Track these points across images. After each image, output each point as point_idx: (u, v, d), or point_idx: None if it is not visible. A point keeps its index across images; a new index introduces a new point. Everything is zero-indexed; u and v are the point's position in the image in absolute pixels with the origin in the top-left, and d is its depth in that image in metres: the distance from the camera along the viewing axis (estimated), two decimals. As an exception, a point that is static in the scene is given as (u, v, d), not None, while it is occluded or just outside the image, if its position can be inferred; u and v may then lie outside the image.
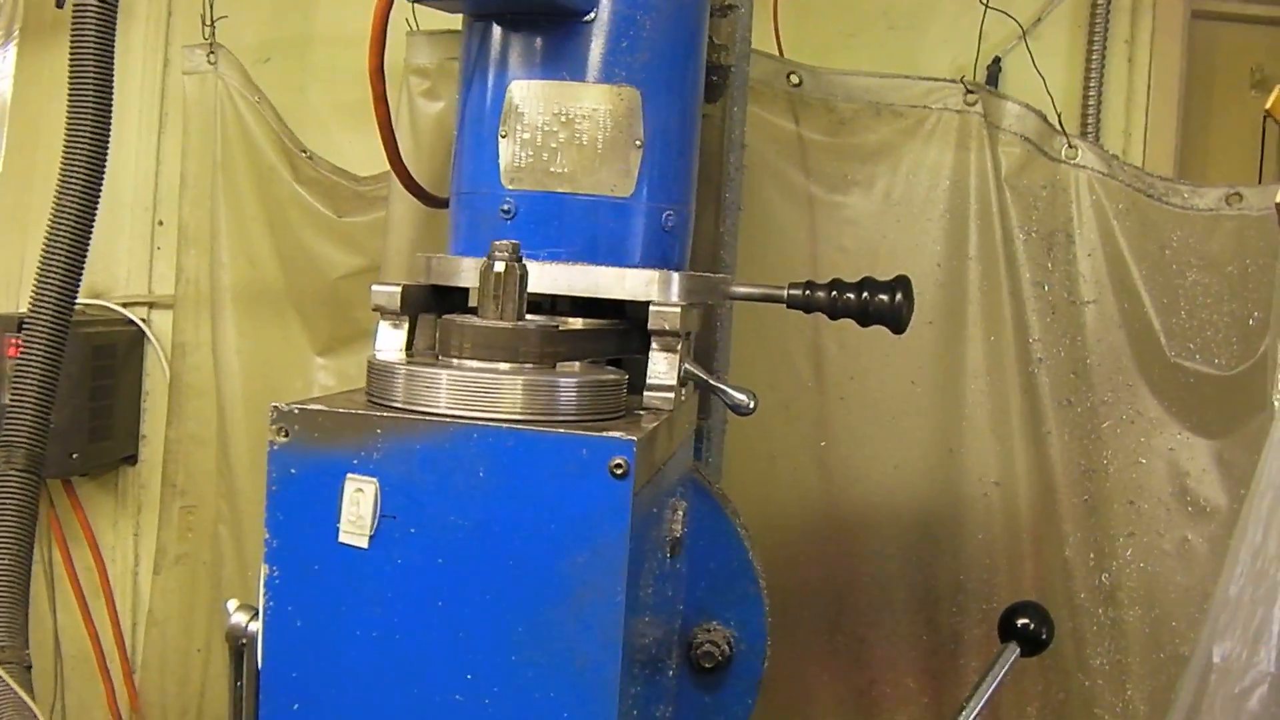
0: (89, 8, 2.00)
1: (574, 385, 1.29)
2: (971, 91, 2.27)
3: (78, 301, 2.66)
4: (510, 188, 1.54)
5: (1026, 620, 1.75)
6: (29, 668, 1.89)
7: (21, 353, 2.08)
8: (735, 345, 2.17)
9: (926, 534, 2.29)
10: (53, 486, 2.84)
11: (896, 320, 1.62)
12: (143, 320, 2.85)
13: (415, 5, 1.55)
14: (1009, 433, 2.26)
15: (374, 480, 1.23)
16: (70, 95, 2.04)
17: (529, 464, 1.20)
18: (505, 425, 1.22)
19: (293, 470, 1.25)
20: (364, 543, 1.23)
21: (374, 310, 1.52)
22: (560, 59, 1.52)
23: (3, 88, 2.68)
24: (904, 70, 2.43)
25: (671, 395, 1.45)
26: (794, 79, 2.31)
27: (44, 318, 2.07)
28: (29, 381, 2.04)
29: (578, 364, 1.42)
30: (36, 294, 2.09)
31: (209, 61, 2.58)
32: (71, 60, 2.03)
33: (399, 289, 1.50)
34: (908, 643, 2.31)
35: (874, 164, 2.30)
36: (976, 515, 2.26)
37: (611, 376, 1.36)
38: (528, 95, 1.53)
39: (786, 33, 2.51)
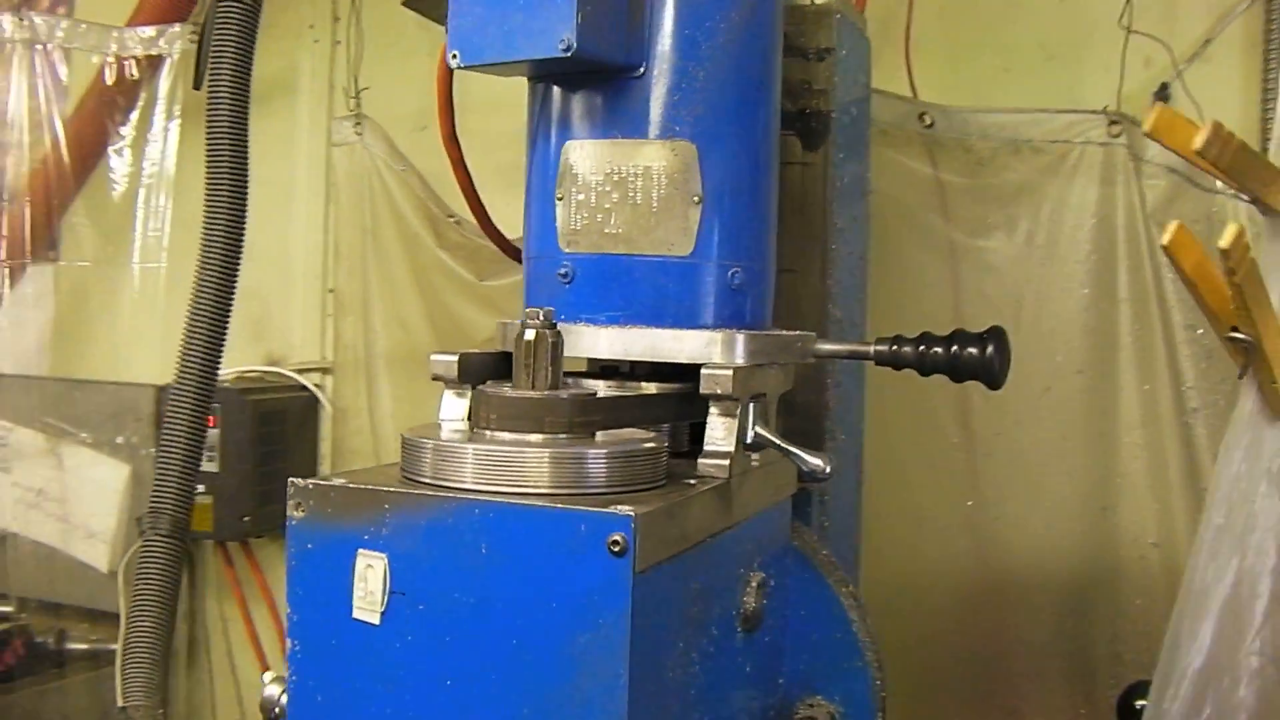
0: (222, 87, 2.07)
1: (595, 456, 1.24)
2: (1115, 122, 2.11)
3: (255, 370, 2.79)
4: (567, 251, 1.51)
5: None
6: (161, 725, 1.95)
7: (165, 425, 2.16)
8: (878, 402, 2.07)
9: (1081, 599, 2.12)
10: (233, 549, 2.96)
11: (990, 375, 1.51)
12: (317, 386, 2.95)
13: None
14: (1167, 489, 2.07)
15: (383, 556, 1.21)
16: (207, 174, 2.12)
17: (527, 540, 1.16)
18: (506, 500, 1.18)
19: (309, 545, 1.25)
20: (376, 619, 1.21)
21: (433, 379, 1.51)
22: (611, 117, 1.48)
23: (168, 165, 2.82)
24: (1063, 103, 2.28)
25: (726, 462, 1.38)
26: (926, 119, 2.20)
27: (187, 390, 2.15)
28: (173, 452, 2.12)
29: (623, 433, 1.37)
30: (180, 368, 2.17)
31: (356, 133, 2.65)
32: (208, 140, 2.11)
33: (456, 358, 1.48)
34: (1064, 717, 2.14)
35: (1015, 205, 2.16)
36: (1134, 579, 2.07)
37: (646, 445, 1.31)
38: (581, 156, 1.50)
39: (936, 70, 2.40)
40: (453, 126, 1.60)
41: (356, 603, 1.21)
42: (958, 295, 2.21)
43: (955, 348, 1.52)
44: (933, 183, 2.21)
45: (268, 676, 1.31)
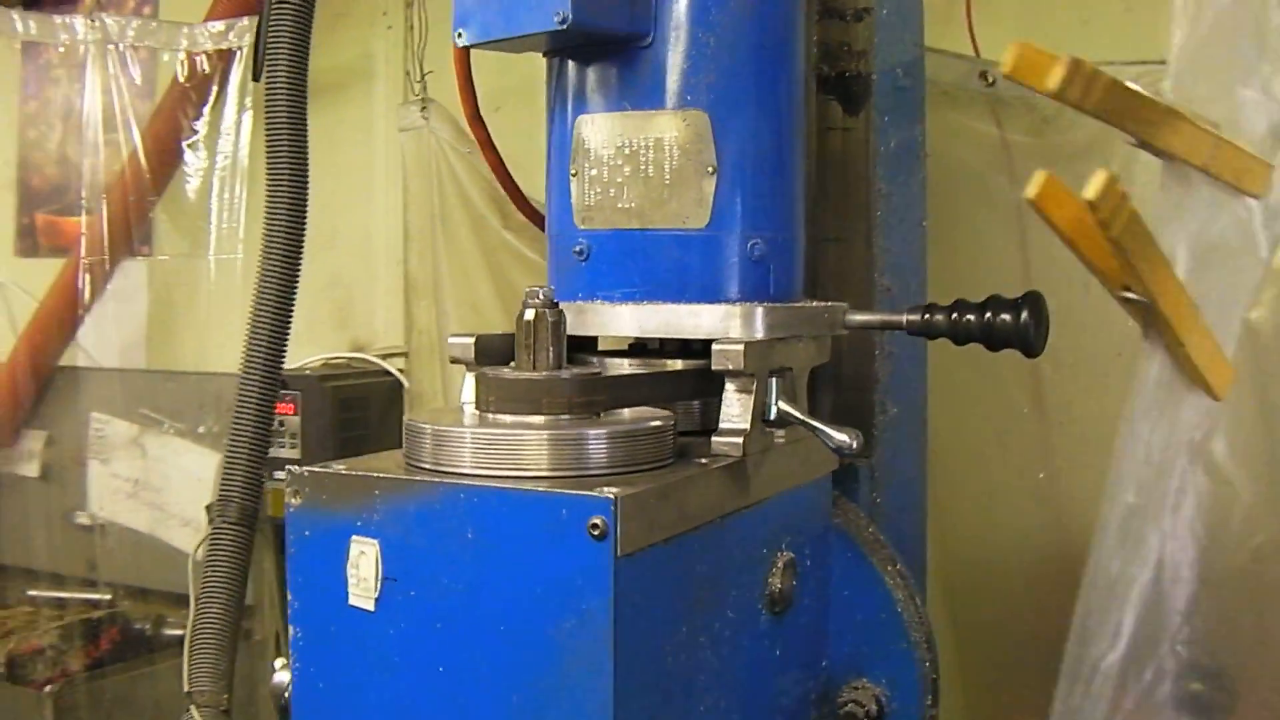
0: (279, 75, 2.07)
1: (591, 438, 1.21)
2: (1185, 73, 1.99)
3: (341, 356, 2.82)
4: (582, 228, 1.48)
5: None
6: (226, 712, 1.98)
7: (235, 413, 2.19)
8: (944, 374, 2.00)
9: (1162, 577, 2.01)
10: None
11: (1025, 342, 1.43)
12: (400, 371, 2.97)
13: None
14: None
15: (375, 542, 1.20)
16: (268, 162, 2.13)
17: (512, 525, 1.13)
18: (491, 485, 1.16)
19: (306, 533, 1.24)
20: (371, 605, 1.20)
21: (451, 362, 1.49)
22: (620, 88, 1.44)
23: (241, 157, 2.86)
24: (1144, 55, 2.17)
25: (740, 440, 1.33)
26: (988, 78, 2.11)
27: (253, 379, 2.17)
28: (241, 440, 2.15)
29: (630, 412, 1.33)
30: (245, 357, 2.19)
31: (422, 117, 2.65)
32: (267, 129, 2.12)
33: (472, 340, 1.46)
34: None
35: (1083, 162, 2.05)
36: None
37: (650, 424, 1.27)
38: (593, 130, 1.46)
39: (1009, 26, 2.30)
40: (475, 107, 1.58)
41: (351, 589, 1.21)
42: (1026, 259, 2.12)
43: (989, 315, 1.45)
44: (998, 143, 2.12)
45: (278, 663, 1.31)
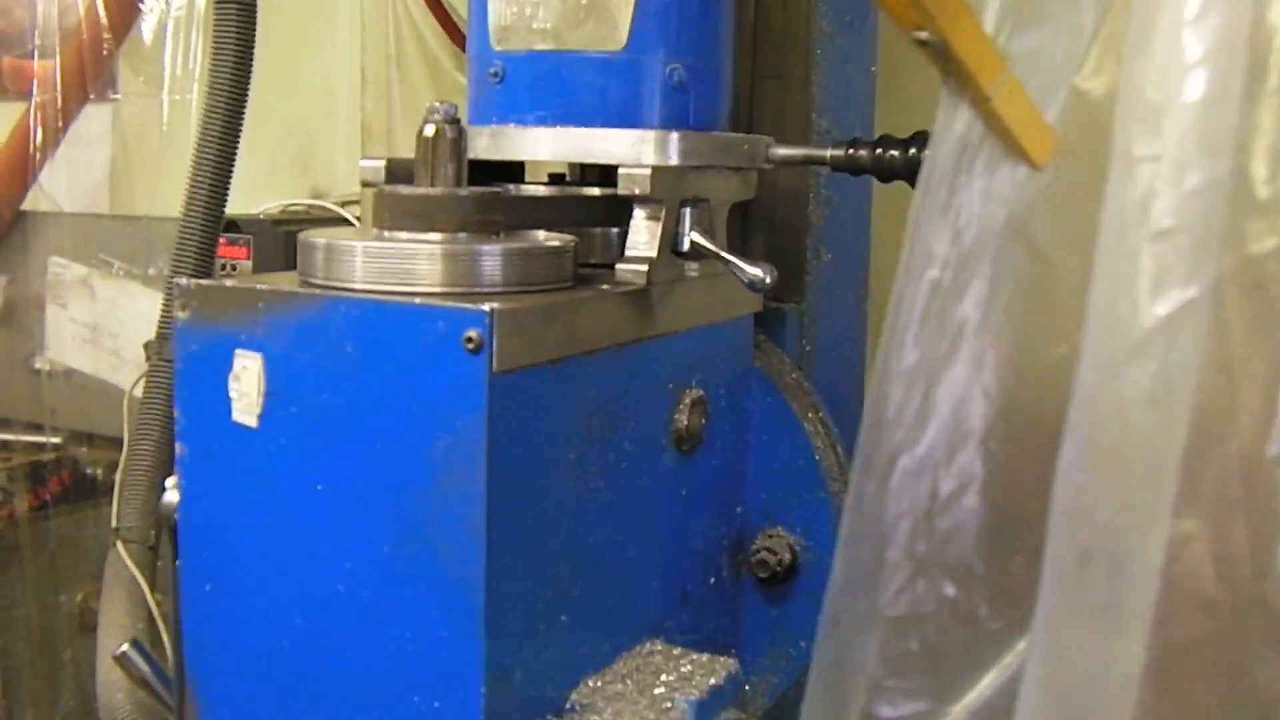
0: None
1: (483, 254, 1.18)
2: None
3: (300, 203, 2.77)
4: (498, 49, 1.43)
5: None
6: (153, 548, 1.98)
7: (175, 251, 2.15)
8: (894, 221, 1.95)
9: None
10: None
11: (950, 180, 1.39)
12: (357, 219, 2.92)
13: None
14: None
15: (258, 356, 1.17)
16: (215, 6, 2.05)
17: (390, 338, 1.11)
18: (370, 297, 1.13)
19: (193, 347, 1.22)
20: (253, 421, 1.18)
21: (362, 185, 1.45)
22: (537, -99, 1.38)
23: (198, 0, 2.77)
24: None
25: (644, 268, 1.30)
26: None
27: (195, 216, 2.12)
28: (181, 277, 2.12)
29: (529, 233, 1.30)
30: (188, 196, 2.14)
31: (381, -43, 2.58)
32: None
33: (383, 163, 1.42)
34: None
35: None
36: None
37: (547, 244, 1.24)
38: (510, -55, 1.40)
39: None
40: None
41: (235, 405, 1.18)
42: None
43: (913, 150, 1.41)
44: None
45: (169, 482, 1.30)
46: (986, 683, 0.99)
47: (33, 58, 3.06)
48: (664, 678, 1.26)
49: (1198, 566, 0.85)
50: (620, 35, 1.38)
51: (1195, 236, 0.77)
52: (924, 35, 0.85)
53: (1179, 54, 0.77)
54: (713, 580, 1.54)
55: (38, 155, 2.94)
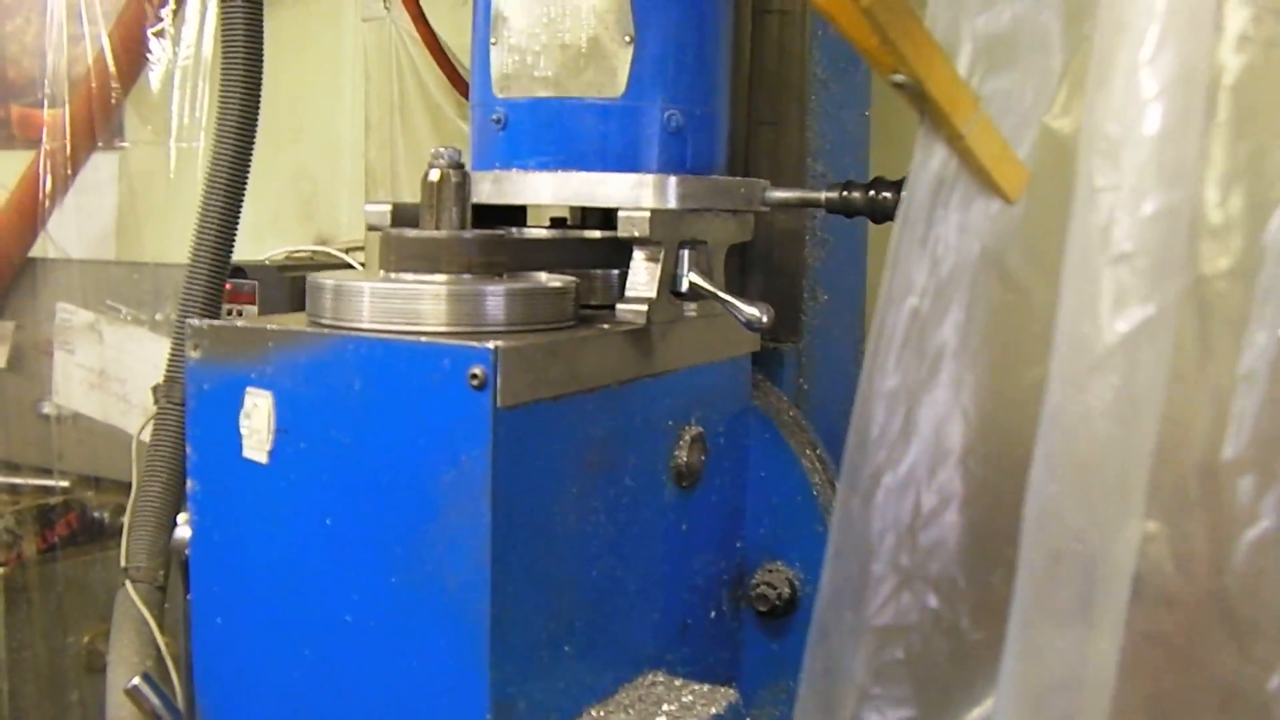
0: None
1: (488, 295, 1.22)
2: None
3: (304, 249, 2.81)
4: (500, 96, 1.47)
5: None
6: (162, 588, 2.00)
7: (183, 296, 2.19)
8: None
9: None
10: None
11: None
12: (362, 264, 2.97)
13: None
14: None
15: (268, 394, 1.20)
16: (223, 46, 2.10)
17: (397, 376, 1.14)
18: (377, 336, 1.16)
19: (205, 385, 1.25)
20: (264, 458, 1.21)
21: (367, 229, 1.49)
22: (539, -46, 1.43)
23: (205, 50, 2.83)
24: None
25: (644, 308, 1.34)
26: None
27: (202, 263, 2.16)
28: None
29: (531, 275, 1.34)
30: (195, 242, 2.18)
31: (384, 7, 2.63)
32: (223, 20, 2.09)
33: (389, 207, 1.46)
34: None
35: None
36: None
37: (549, 285, 1.28)
38: (513, -2, 1.45)
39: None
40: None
41: (245, 442, 1.22)
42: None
43: (906, 193, 1.45)
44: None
45: (180, 518, 1.33)
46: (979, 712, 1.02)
47: (42, 106, 3.12)
48: (665, 707, 1.28)
49: (1160, 564, 0.88)
50: (619, 83, 1.43)
51: (1153, 259, 0.81)
52: (900, 78, 0.89)
53: (1136, 91, 0.81)
54: (713, 613, 1.56)
55: (46, 202, 2.99)
